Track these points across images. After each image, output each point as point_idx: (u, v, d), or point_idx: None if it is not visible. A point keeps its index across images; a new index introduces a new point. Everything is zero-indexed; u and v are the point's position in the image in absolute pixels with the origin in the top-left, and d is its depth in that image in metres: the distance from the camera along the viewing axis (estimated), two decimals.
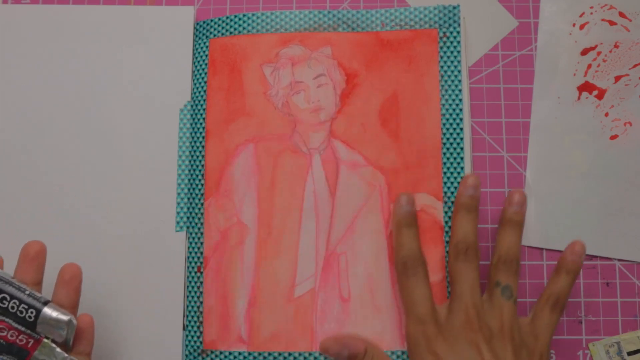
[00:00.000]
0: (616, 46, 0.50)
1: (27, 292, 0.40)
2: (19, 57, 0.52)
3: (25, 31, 0.52)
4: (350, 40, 0.50)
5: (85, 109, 0.51)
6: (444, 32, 0.50)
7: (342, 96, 0.50)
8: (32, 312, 0.39)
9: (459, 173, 0.49)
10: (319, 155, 0.49)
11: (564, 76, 0.50)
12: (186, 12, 0.52)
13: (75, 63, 0.51)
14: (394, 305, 0.47)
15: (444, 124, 0.49)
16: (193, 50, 0.52)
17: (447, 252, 0.48)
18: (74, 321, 0.40)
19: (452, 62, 0.50)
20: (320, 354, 0.47)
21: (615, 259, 0.48)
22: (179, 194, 0.50)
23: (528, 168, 0.50)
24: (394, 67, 0.50)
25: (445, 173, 0.49)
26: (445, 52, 0.50)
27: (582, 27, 0.51)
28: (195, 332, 0.48)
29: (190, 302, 0.48)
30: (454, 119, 0.49)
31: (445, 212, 0.48)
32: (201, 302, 0.48)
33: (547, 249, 0.49)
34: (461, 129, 0.49)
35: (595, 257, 0.48)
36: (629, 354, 0.47)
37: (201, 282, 0.48)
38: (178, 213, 0.50)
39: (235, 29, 0.51)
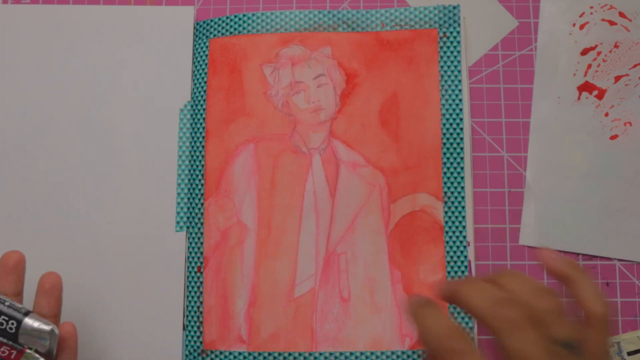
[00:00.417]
0: (616, 46, 0.50)
1: (7, 304, 0.39)
2: (19, 57, 0.52)
3: (25, 31, 0.52)
4: (350, 40, 0.50)
5: (85, 109, 0.51)
6: (444, 32, 0.50)
7: (342, 96, 0.50)
8: (12, 324, 0.39)
9: (459, 173, 0.49)
10: (319, 155, 0.49)
11: (564, 76, 0.50)
12: (186, 12, 0.52)
13: (75, 63, 0.51)
14: (394, 305, 0.47)
15: (444, 124, 0.49)
16: (193, 50, 0.52)
17: (446, 252, 0.48)
18: (56, 331, 0.40)
19: (452, 62, 0.50)
20: (320, 354, 0.47)
21: (615, 259, 0.48)
22: (179, 194, 0.50)
23: (528, 168, 0.50)
24: (394, 67, 0.50)
25: (445, 173, 0.49)
26: (445, 52, 0.50)
27: (582, 27, 0.51)
28: (195, 332, 0.48)
29: (190, 302, 0.48)
30: (454, 119, 0.49)
31: (445, 212, 0.48)
32: (201, 302, 0.48)
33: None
34: (461, 129, 0.49)
35: (595, 257, 0.48)
36: (629, 354, 0.47)
37: (201, 282, 0.48)
38: (178, 213, 0.50)
39: (235, 29, 0.51)
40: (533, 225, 0.49)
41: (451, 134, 0.49)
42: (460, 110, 0.49)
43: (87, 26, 0.52)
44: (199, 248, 0.49)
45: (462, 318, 0.47)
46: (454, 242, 0.48)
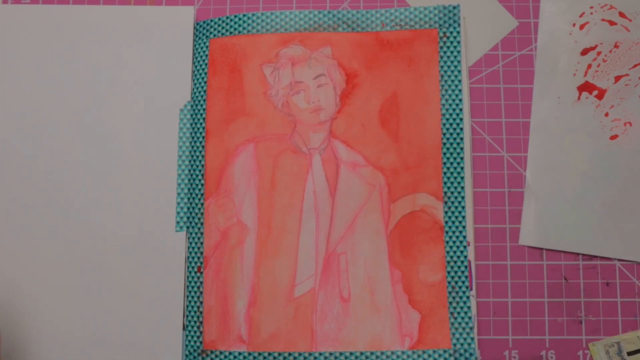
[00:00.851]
0: (616, 46, 0.50)
1: None
2: (19, 57, 0.52)
3: (26, 31, 0.52)
4: (350, 40, 0.50)
5: (85, 109, 0.51)
6: (444, 32, 0.50)
7: (342, 96, 0.50)
8: None
9: (459, 173, 0.49)
10: (319, 155, 0.49)
11: (564, 76, 0.50)
12: (186, 12, 0.52)
13: (75, 63, 0.52)
14: (394, 305, 0.47)
15: (444, 124, 0.49)
16: (193, 50, 0.52)
17: (446, 252, 0.48)
18: None
19: (452, 62, 0.50)
20: (320, 354, 0.47)
21: (615, 259, 0.48)
22: (179, 194, 0.50)
23: (528, 168, 0.50)
24: (394, 67, 0.50)
25: (445, 173, 0.49)
26: (445, 52, 0.50)
27: (582, 27, 0.51)
28: (195, 332, 0.48)
29: (190, 302, 0.48)
30: (454, 119, 0.49)
31: (445, 212, 0.48)
32: (201, 302, 0.48)
33: (547, 249, 0.49)
34: (461, 129, 0.49)
35: (595, 257, 0.48)
36: (629, 354, 0.47)
37: (201, 282, 0.48)
38: (178, 213, 0.50)
39: (235, 29, 0.51)
40: (533, 225, 0.49)
41: (451, 134, 0.49)
42: (460, 110, 0.49)
43: (87, 26, 0.52)
44: (199, 248, 0.49)
45: (462, 318, 0.47)
46: (454, 242, 0.48)
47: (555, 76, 0.50)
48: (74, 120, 0.51)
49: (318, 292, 0.48)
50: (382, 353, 0.47)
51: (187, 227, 0.49)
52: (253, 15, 0.51)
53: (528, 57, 0.51)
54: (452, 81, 0.50)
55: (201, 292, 0.48)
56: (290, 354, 0.47)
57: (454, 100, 0.49)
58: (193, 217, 0.49)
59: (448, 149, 0.49)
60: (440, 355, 0.46)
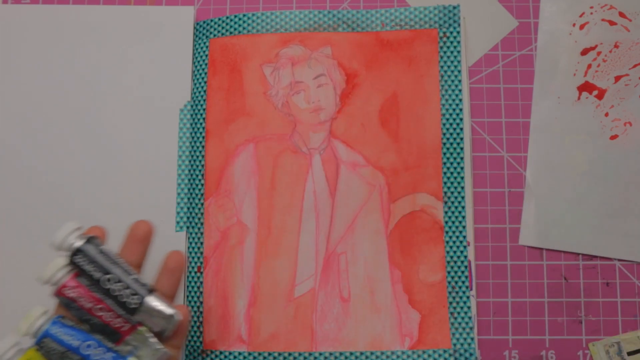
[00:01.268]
0: (616, 46, 0.50)
1: (133, 277, 0.38)
2: (19, 57, 0.52)
3: (26, 31, 0.52)
4: (350, 40, 0.50)
5: (85, 109, 0.51)
6: (444, 32, 0.50)
7: (342, 96, 0.50)
8: (136, 299, 0.38)
9: (459, 173, 0.49)
10: (319, 155, 0.49)
11: (564, 76, 0.50)
12: (186, 12, 0.52)
13: (75, 63, 0.52)
14: (394, 305, 0.47)
15: (444, 124, 0.49)
16: (193, 50, 0.52)
17: (446, 252, 0.48)
18: (178, 317, 0.39)
19: (452, 62, 0.50)
20: (320, 354, 0.47)
21: (615, 259, 0.48)
22: (179, 194, 0.50)
23: (528, 168, 0.50)
24: (394, 67, 0.50)
25: (445, 173, 0.49)
26: (445, 52, 0.50)
27: (582, 27, 0.51)
28: (195, 332, 0.48)
29: (190, 302, 0.48)
30: (454, 119, 0.49)
31: (445, 212, 0.48)
32: (201, 302, 0.48)
33: (547, 249, 0.49)
34: (461, 129, 0.49)
35: (595, 257, 0.48)
36: (629, 354, 0.47)
37: (201, 282, 0.48)
38: (178, 213, 0.50)
39: (235, 29, 0.51)
40: (533, 225, 0.49)
41: (451, 134, 0.49)
42: (460, 110, 0.49)
43: (87, 26, 0.52)
44: (199, 248, 0.49)
45: (462, 318, 0.47)
46: (454, 242, 0.48)
47: (555, 76, 0.50)
48: (74, 120, 0.51)
49: (318, 292, 0.48)
50: (382, 353, 0.47)
51: (187, 227, 0.49)
52: (253, 15, 0.51)
53: (528, 57, 0.51)
54: (452, 81, 0.50)
55: (201, 292, 0.48)
56: (290, 354, 0.47)
57: (454, 100, 0.49)
58: (193, 217, 0.49)
59: (448, 149, 0.49)
60: (440, 355, 0.46)
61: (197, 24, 0.52)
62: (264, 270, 0.48)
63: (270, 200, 0.49)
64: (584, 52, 0.50)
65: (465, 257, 0.48)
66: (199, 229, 0.49)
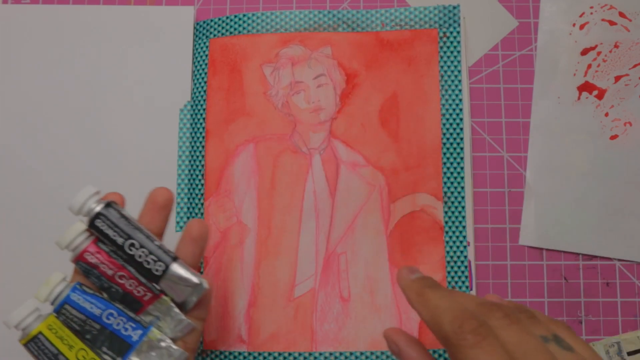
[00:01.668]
0: (616, 46, 0.50)
1: (157, 243, 0.37)
2: (19, 57, 0.52)
3: (26, 31, 0.52)
4: (350, 40, 0.50)
5: (85, 109, 0.51)
6: (444, 32, 0.50)
7: (342, 96, 0.50)
8: (160, 266, 0.36)
9: (459, 173, 0.49)
10: (319, 155, 0.49)
11: (564, 76, 0.50)
12: (186, 12, 0.52)
13: (75, 63, 0.51)
14: (394, 305, 0.47)
15: (444, 124, 0.49)
16: (193, 50, 0.52)
17: (446, 252, 0.48)
18: (205, 285, 0.37)
19: (452, 62, 0.50)
20: (320, 354, 0.47)
21: (615, 259, 0.48)
22: (179, 194, 0.50)
23: (528, 168, 0.50)
24: (394, 67, 0.50)
25: (445, 173, 0.49)
26: (445, 52, 0.50)
27: (582, 27, 0.51)
28: None
29: None
30: (454, 119, 0.49)
31: (445, 212, 0.48)
32: None
33: (547, 249, 0.49)
34: (461, 129, 0.49)
35: (595, 257, 0.48)
36: (629, 354, 0.47)
37: None
38: (178, 213, 0.50)
39: (235, 29, 0.51)
40: (533, 225, 0.49)
41: (451, 134, 0.49)
42: (460, 110, 0.49)
43: (87, 26, 0.52)
44: None
45: None
46: (454, 242, 0.48)
47: (555, 76, 0.50)
48: (74, 120, 0.51)
49: (318, 292, 0.48)
50: (382, 353, 0.47)
51: None
52: (253, 15, 0.51)
53: (528, 57, 0.51)
54: (452, 81, 0.50)
55: None
56: (290, 354, 0.47)
57: (454, 100, 0.49)
58: (193, 217, 0.49)
59: (448, 149, 0.49)
60: (440, 355, 0.46)
61: (197, 24, 0.52)
62: (264, 270, 0.48)
63: (270, 200, 0.49)
64: (584, 52, 0.50)
65: (465, 257, 0.48)
66: None
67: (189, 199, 0.50)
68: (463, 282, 0.47)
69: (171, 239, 0.49)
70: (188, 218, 0.49)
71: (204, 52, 0.51)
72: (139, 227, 0.37)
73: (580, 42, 0.50)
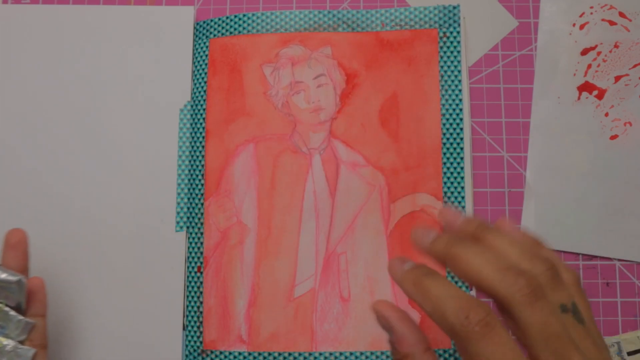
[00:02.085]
0: (616, 46, 0.50)
1: None
2: (18, 57, 0.52)
3: (25, 31, 0.52)
4: (350, 40, 0.50)
5: (85, 109, 0.51)
6: (444, 32, 0.50)
7: (342, 96, 0.50)
8: None
9: (459, 173, 0.49)
10: (319, 155, 0.49)
11: (564, 76, 0.50)
12: (186, 12, 0.52)
13: (74, 63, 0.51)
14: None
15: (444, 124, 0.49)
16: (193, 50, 0.52)
17: None
18: (24, 280, 0.40)
19: (452, 62, 0.50)
20: (320, 354, 0.47)
21: (615, 259, 0.48)
22: (179, 194, 0.50)
23: (528, 168, 0.50)
24: (393, 67, 0.50)
25: (445, 173, 0.49)
26: (445, 52, 0.50)
27: (582, 27, 0.51)
28: (195, 332, 0.48)
29: (190, 302, 0.48)
30: (454, 119, 0.49)
31: None
32: (201, 302, 0.48)
33: None
34: (461, 129, 0.49)
35: (595, 257, 0.48)
36: (629, 354, 0.47)
37: (201, 282, 0.48)
38: (178, 213, 0.50)
39: (235, 29, 0.51)
40: (533, 225, 0.49)
41: (451, 134, 0.49)
42: (460, 110, 0.49)
43: (87, 26, 0.52)
44: (198, 248, 0.49)
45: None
46: None
47: (555, 76, 0.50)
48: (74, 120, 0.51)
49: (318, 292, 0.48)
50: (382, 353, 0.47)
51: (187, 227, 0.49)
52: (253, 15, 0.51)
53: (528, 57, 0.51)
54: (452, 81, 0.50)
55: (201, 292, 0.48)
56: (290, 354, 0.47)
57: (454, 100, 0.49)
58: (193, 217, 0.49)
59: (448, 149, 0.49)
60: (440, 356, 0.46)
61: (197, 24, 0.52)
62: (264, 270, 0.48)
63: (270, 200, 0.49)
64: (584, 52, 0.50)
65: None
66: (199, 229, 0.49)
67: (189, 199, 0.50)
68: (463, 282, 0.47)
69: (171, 239, 0.49)
70: (188, 218, 0.49)
71: (204, 52, 0.51)
72: None
73: (580, 42, 0.50)
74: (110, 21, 0.52)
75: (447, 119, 0.49)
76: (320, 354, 0.47)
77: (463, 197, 0.48)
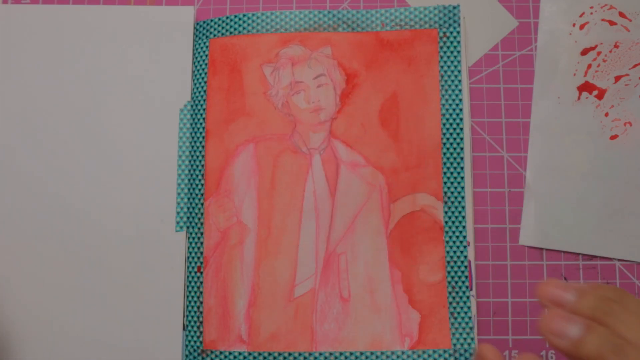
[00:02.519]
0: (616, 46, 0.50)
1: None
2: (18, 57, 0.52)
3: (26, 31, 0.52)
4: (350, 40, 0.50)
5: (84, 109, 0.51)
6: (444, 32, 0.50)
7: (342, 96, 0.50)
8: None
9: (459, 173, 0.49)
10: (319, 155, 0.49)
11: (564, 76, 0.50)
12: (186, 12, 0.52)
13: (75, 63, 0.51)
14: (393, 305, 0.47)
15: (444, 124, 0.49)
16: (193, 50, 0.52)
17: (446, 252, 0.48)
18: None
19: (452, 62, 0.50)
20: (320, 354, 0.47)
21: (615, 259, 0.48)
22: (179, 194, 0.50)
23: (528, 168, 0.50)
24: (393, 68, 0.50)
25: (445, 173, 0.49)
26: (445, 52, 0.50)
27: (582, 27, 0.51)
28: (195, 332, 0.48)
29: (190, 302, 0.48)
30: (454, 119, 0.49)
31: (445, 212, 0.48)
32: (201, 302, 0.48)
33: (547, 249, 0.49)
34: (461, 129, 0.49)
35: (595, 257, 0.48)
36: None
37: (201, 282, 0.48)
38: (178, 213, 0.50)
39: (235, 29, 0.51)
40: (533, 225, 0.49)
41: (451, 134, 0.49)
42: (460, 110, 0.49)
43: (87, 26, 0.52)
44: (198, 248, 0.49)
45: (462, 318, 0.47)
46: (454, 242, 0.48)
47: (555, 76, 0.50)
48: (74, 120, 0.51)
49: (318, 292, 0.48)
50: (382, 353, 0.47)
51: (187, 227, 0.49)
52: (253, 15, 0.51)
53: (528, 57, 0.51)
54: (452, 81, 0.50)
55: (201, 292, 0.48)
56: (290, 354, 0.47)
57: (454, 100, 0.49)
58: (193, 217, 0.49)
59: (448, 149, 0.49)
60: (440, 355, 0.46)
61: (197, 24, 0.52)
62: (264, 270, 0.48)
63: (270, 200, 0.49)
64: (584, 52, 0.50)
65: (465, 257, 0.48)
66: (199, 229, 0.49)
67: (189, 199, 0.50)
68: (463, 282, 0.47)
69: (171, 239, 0.49)
70: (188, 218, 0.49)
71: (204, 52, 0.51)
72: None
73: (580, 42, 0.50)
74: (110, 21, 0.52)
75: (447, 119, 0.49)
76: (320, 354, 0.47)
77: (463, 197, 0.48)
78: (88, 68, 0.51)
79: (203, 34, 0.52)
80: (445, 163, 0.49)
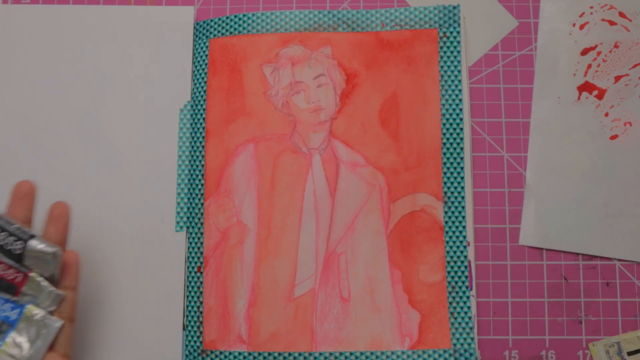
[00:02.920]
0: (616, 46, 0.50)
1: (15, 226, 0.40)
2: (18, 57, 0.52)
3: (26, 31, 0.52)
4: (350, 40, 0.50)
5: (85, 109, 0.51)
6: (444, 32, 0.50)
7: (342, 96, 0.50)
8: (19, 245, 0.40)
9: (459, 173, 0.49)
10: (319, 155, 0.49)
11: (564, 76, 0.50)
12: (186, 12, 0.52)
13: (75, 63, 0.52)
14: (393, 305, 0.47)
15: (444, 124, 0.49)
16: (193, 50, 0.52)
17: (446, 252, 0.48)
18: (59, 252, 0.40)
19: (452, 62, 0.50)
20: (320, 354, 0.47)
21: (615, 259, 0.48)
22: (179, 194, 0.50)
23: (528, 168, 0.50)
24: (393, 68, 0.50)
25: (445, 173, 0.49)
26: (445, 52, 0.50)
27: (582, 27, 0.51)
28: (195, 332, 0.48)
29: (190, 302, 0.48)
30: (454, 119, 0.49)
31: (445, 212, 0.48)
32: (201, 302, 0.48)
33: (547, 249, 0.49)
34: (461, 129, 0.49)
35: (595, 257, 0.48)
36: (629, 354, 0.47)
37: (201, 282, 0.48)
38: (178, 213, 0.50)
39: (235, 29, 0.51)
40: (533, 225, 0.49)
41: (451, 134, 0.49)
42: (460, 110, 0.49)
43: (87, 26, 0.52)
44: (198, 248, 0.49)
45: (462, 318, 0.47)
46: (454, 242, 0.48)
47: (555, 76, 0.50)
48: (74, 120, 0.51)
49: (318, 292, 0.48)
50: (382, 353, 0.47)
51: (187, 227, 0.49)
52: (253, 15, 0.51)
53: (528, 57, 0.51)
54: (452, 81, 0.50)
55: (201, 292, 0.48)
56: (290, 354, 0.47)
57: (454, 100, 0.49)
58: (193, 217, 0.49)
59: (448, 149, 0.49)
60: (440, 355, 0.46)
61: (197, 24, 0.52)
62: (264, 270, 0.48)
63: (270, 200, 0.49)
64: (584, 52, 0.50)
65: (465, 257, 0.48)
66: (199, 229, 0.49)
67: (189, 199, 0.50)
68: (463, 282, 0.47)
69: (171, 239, 0.49)
70: (188, 218, 0.49)
71: (204, 52, 0.51)
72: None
73: (580, 42, 0.50)
74: (110, 21, 0.52)
75: (447, 119, 0.49)
76: (320, 354, 0.47)
77: (463, 197, 0.48)
78: (88, 68, 0.51)
79: (203, 34, 0.52)
80: (445, 163, 0.49)
